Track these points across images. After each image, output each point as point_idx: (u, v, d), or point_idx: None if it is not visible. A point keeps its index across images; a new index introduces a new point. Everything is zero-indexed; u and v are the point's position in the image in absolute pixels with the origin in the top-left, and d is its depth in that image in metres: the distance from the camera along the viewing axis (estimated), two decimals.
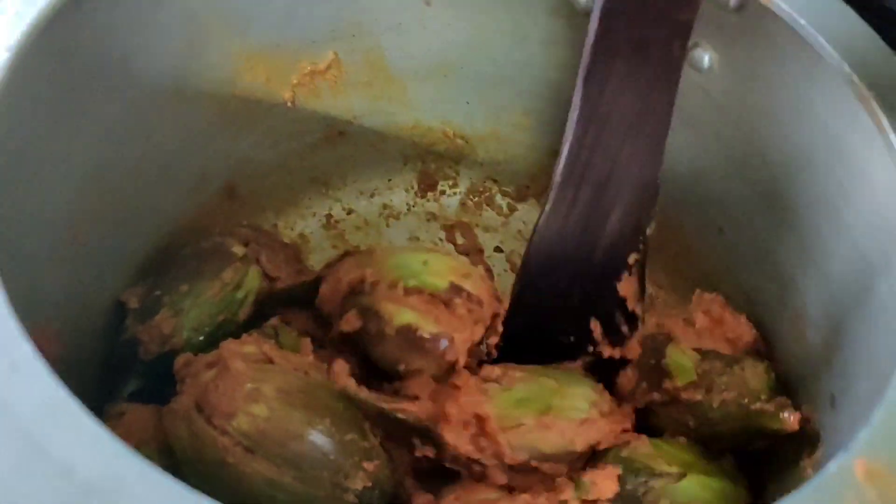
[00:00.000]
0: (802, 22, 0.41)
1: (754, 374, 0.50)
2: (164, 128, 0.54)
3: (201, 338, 0.54)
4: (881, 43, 0.41)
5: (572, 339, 0.50)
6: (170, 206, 0.57)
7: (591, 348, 0.51)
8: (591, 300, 0.49)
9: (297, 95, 0.60)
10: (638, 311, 0.51)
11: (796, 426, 0.47)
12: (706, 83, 0.52)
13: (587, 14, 0.54)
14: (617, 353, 0.51)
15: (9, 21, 0.39)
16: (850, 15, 0.42)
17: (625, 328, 0.50)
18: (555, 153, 0.63)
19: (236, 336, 0.51)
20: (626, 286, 0.49)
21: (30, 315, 0.44)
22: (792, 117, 0.47)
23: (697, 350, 0.52)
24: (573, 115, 0.48)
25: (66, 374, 0.48)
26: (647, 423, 0.52)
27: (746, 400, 0.49)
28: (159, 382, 0.53)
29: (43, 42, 0.40)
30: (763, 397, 0.49)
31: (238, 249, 0.57)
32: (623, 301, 0.50)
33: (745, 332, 0.54)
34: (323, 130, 0.63)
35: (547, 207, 0.49)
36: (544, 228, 0.49)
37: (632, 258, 0.49)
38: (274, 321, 0.55)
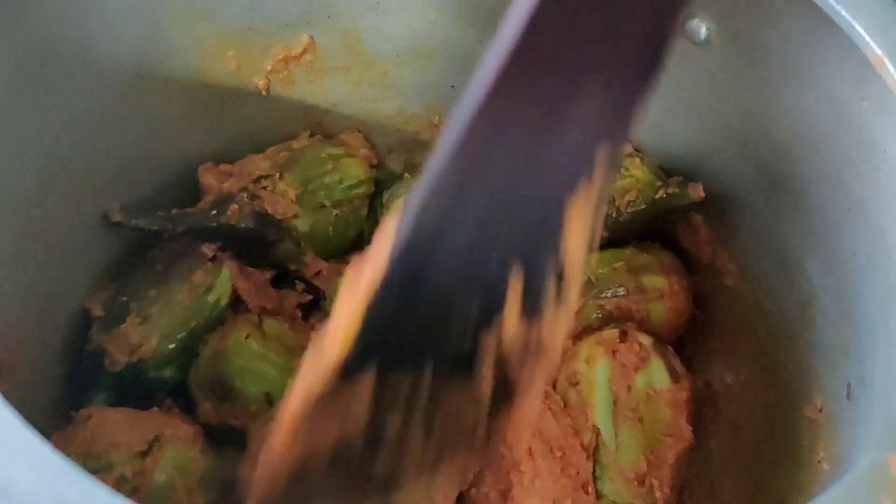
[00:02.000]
0: None
1: (640, 169, 0.55)
2: (130, 119, 0.51)
3: (172, 345, 0.51)
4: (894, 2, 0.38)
5: (476, 312, 0.29)
6: (140, 204, 0.54)
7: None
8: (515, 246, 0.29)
9: (272, 83, 0.57)
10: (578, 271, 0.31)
11: (702, 194, 0.53)
12: (704, 57, 0.49)
13: None
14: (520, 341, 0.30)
15: None
16: None
17: (551, 292, 0.30)
18: None
19: None
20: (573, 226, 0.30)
21: None
22: (794, 87, 0.44)
23: None
24: None
25: (30, 385, 0.46)
26: None
27: (647, 194, 0.55)
28: (129, 394, 0.50)
29: None
30: (659, 184, 0.55)
31: (208, 249, 0.54)
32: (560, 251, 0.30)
33: None
34: (300, 120, 0.60)
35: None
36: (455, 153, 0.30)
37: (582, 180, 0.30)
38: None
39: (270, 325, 0.53)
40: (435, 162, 0.28)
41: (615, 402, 0.50)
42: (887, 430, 0.27)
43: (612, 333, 0.52)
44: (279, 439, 0.28)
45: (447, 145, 0.29)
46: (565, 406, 0.50)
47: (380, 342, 0.27)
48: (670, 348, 0.53)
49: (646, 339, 0.52)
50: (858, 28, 0.37)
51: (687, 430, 0.50)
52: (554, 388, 0.52)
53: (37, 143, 0.44)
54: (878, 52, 0.36)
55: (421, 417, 0.27)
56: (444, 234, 0.28)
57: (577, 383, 0.50)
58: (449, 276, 0.28)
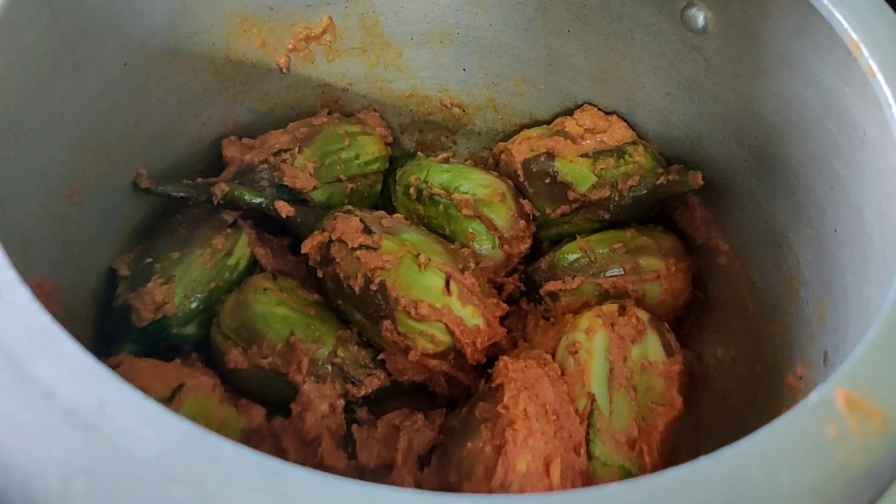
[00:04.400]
0: None
1: (642, 156, 0.59)
2: (158, 90, 0.54)
3: (193, 304, 0.54)
4: None
5: None
6: (165, 172, 0.57)
7: None
8: None
9: (293, 61, 0.60)
10: None
11: (701, 181, 0.56)
12: (701, 44, 0.52)
13: None
14: None
15: None
16: None
17: None
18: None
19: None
20: None
21: (26, 269, 0.45)
22: (784, 74, 0.47)
23: (584, 156, 0.59)
24: None
25: None
26: (561, 235, 0.62)
27: (649, 179, 0.59)
28: (154, 348, 0.54)
29: None
30: (660, 171, 0.59)
31: (228, 215, 0.57)
32: None
33: (617, 130, 0.61)
34: (319, 98, 0.63)
35: None
36: None
37: None
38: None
39: (284, 281, 0.56)
40: None
41: (611, 371, 0.52)
42: (840, 369, 0.30)
43: (611, 308, 0.55)
44: None
45: None
46: (563, 374, 0.53)
47: None
48: (666, 325, 0.56)
49: (643, 315, 0.55)
50: (838, 15, 0.39)
51: (678, 401, 0.53)
52: (553, 356, 0.54)
53: (74, 109, 0.47)
54: (855, 37, 0.39)
55: None
56: None
57: (576, 352, 0.53)
58: None
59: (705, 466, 0.27)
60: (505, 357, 0.53)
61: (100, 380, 0.26)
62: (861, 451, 0.28)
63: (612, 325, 0.54)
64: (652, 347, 0.54)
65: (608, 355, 0.53)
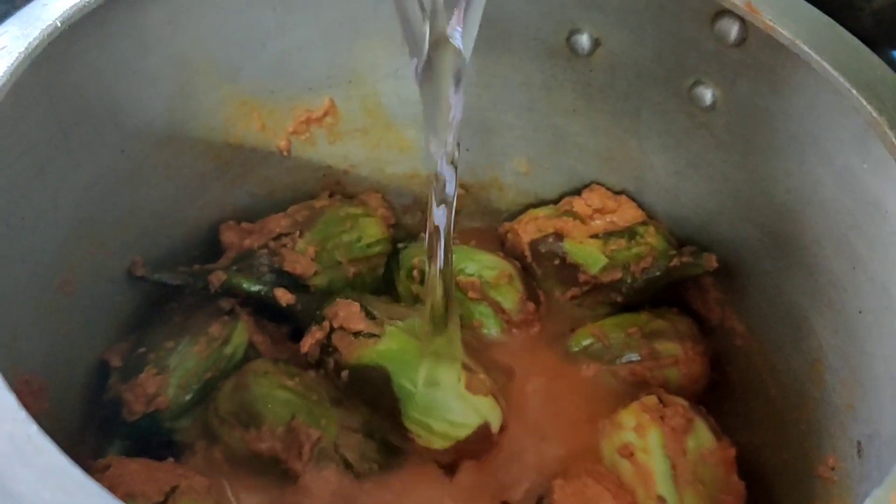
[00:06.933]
0: (807, 49, 0.40)
1: (654, 237, 0.56)
2: (154, 177, 0.53)
3: (188, 396, 0.51)
4: (888, 69, 0.40)
5: None
6: (161, 259, 0.56)
7: None
8: None
9: (293, 144, 0.59)
10: None
11: (715, 264, 0.54)
12: (709, 121, 0.51)
13: (589, 56, 0.54)
14: None
15: None
16: (855, 42, 0.41)
17: None
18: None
19: None
20: None
21: (14, 365, 0.43)
22: (796, 151, 0.46)
23: (594, 237, 0.57)
24: None
25: (50, 433, 0.47)
26: (573, 317, 0.58)
27: (662, 261, 0.56)
28: (146, 443, 0.51)
29: (31, 81, 0.39)
30: (672, 253, 0.56)
31: (225, 303, 0.55)
32: None
33: (627, 211, 0.58)
34: (320, 180, 0.62)
35: None
36: None
37: None
38: None
39: (286, 365, 0.54)
40: None
41: (674, 468, 0.48)
42: (893, 470, 0.27)
43: (651, 399, 0.51)
44: None
45: None
46: (620, 480, 0.49)
47: None
48: (702, 408, 0.53)
49: (682, 401, 0.52)
50: (855, 93, 0.39)
51: (741, 486, 0.50)
52: (600, 463, 0.51)
53: (69, 197, 0.46)
54: (875, 115, 0.38)
55: None
56: None
57: (632, 454, 0.49)
58: None
59: None
60: (557, 480, 0.48)
61: (91, 498, 0.24)
62: None
63: (662, 417, 0.50)
64: (703, 435, 0.51)
65: (665, 451, 0.49)
